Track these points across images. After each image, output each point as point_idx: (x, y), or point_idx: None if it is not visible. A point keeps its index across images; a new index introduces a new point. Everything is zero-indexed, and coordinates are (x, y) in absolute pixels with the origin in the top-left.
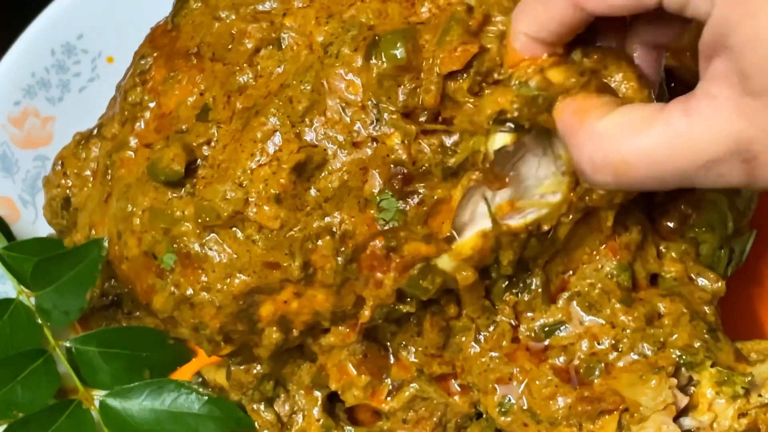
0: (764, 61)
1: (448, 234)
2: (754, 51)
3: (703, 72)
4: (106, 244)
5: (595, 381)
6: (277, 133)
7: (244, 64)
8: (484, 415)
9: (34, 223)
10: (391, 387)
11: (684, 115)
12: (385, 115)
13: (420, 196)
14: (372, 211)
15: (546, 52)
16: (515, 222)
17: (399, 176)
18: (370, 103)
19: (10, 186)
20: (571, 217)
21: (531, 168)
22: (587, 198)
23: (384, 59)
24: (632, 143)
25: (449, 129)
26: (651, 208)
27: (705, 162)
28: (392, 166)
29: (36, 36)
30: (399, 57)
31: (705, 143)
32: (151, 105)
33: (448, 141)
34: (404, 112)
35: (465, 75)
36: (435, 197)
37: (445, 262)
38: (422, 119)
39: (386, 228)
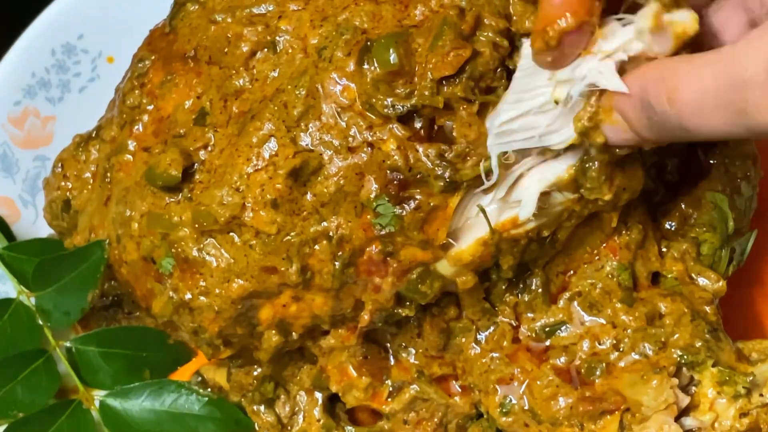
0: None
1: (444, 242)
2: None
3: None
4: (107, 246)
5: (597, 381)
6: (273, 137)
7: (240, 68)
8: (484, 416)
9: (34, 224)
10: (391, 388)
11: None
12: (380, 121)
13: (416, 201)
14: (368, 216)
15: None
16: (515, 230)
17: (395, 182)
18: (364, 107)
19: (11, 186)
20: (573, 221)
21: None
22: (590, 205)
23: (377, 64)
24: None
25: (451, 144)
26: (652, 207)
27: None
28: (388, 171)
29: (36, 36)
30: (392, 62)
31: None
32: (149, 108)
33: (449, 153)
34: (399, 117)
35: (458, 80)
36: (431, 203)
37: (444, 267)
38: (418, 125)
39: (383, 233)
